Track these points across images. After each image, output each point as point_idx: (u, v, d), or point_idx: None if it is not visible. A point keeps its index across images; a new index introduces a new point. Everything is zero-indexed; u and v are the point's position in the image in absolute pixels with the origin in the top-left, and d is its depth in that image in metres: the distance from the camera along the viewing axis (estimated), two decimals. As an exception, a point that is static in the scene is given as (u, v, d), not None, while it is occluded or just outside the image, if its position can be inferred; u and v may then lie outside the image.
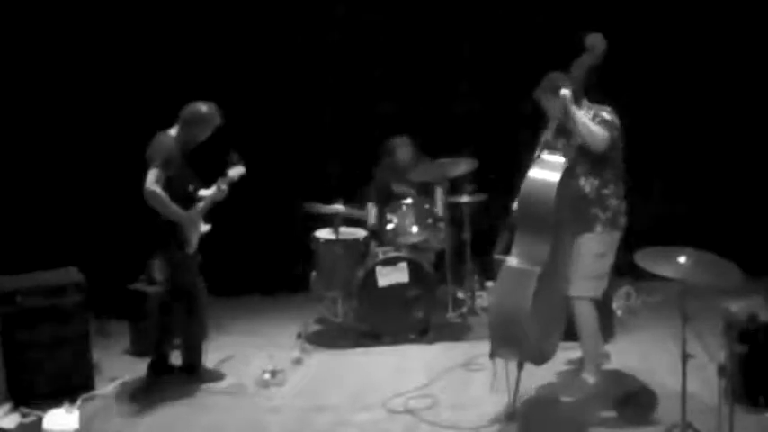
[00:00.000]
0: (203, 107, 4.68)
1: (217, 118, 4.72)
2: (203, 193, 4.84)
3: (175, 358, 4.97)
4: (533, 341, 3.96)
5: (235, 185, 4.92)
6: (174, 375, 4.89)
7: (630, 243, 4.13)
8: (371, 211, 6.20)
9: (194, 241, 4.75)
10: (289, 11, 6.71)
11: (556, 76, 4.21)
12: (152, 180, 4.45)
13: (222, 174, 4.87)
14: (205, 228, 4.85)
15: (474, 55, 6.72)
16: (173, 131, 4.67)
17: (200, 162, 4.84)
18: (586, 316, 4.29)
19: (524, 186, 4.07)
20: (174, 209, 4.57)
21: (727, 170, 6.62)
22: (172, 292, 4.83)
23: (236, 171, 4.90)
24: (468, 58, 6.73)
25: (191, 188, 4.75)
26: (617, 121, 4.16)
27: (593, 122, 4.09)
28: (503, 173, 4.63)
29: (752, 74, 6.50)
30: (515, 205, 4.24)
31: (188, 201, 4.71)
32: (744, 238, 6.28)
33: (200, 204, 4.79)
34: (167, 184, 4.52)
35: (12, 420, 4.30)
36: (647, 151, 6.45)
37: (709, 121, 6.60)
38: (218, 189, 4.82)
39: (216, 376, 4.91)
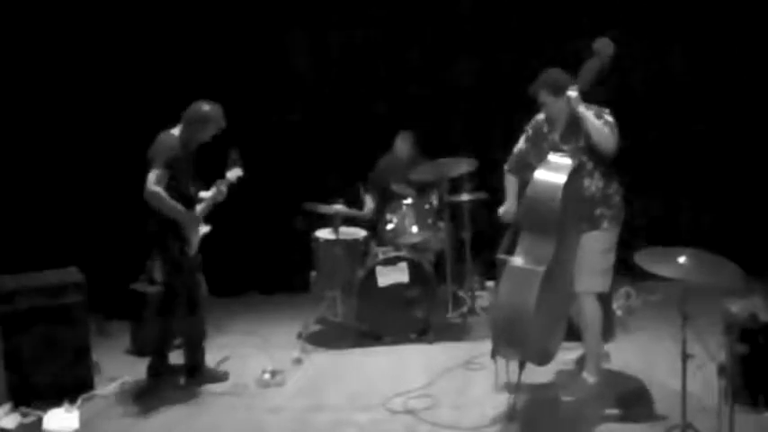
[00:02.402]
0: (207, 107, 4.66)
1: (220, 119, 4.69)
2: (203, 194, 4.84)
3: (174, 358, 4.96)
4: (535, 341, 3.96)
5: (235, 186, 4.92)
6: (175, 376, 4.88)
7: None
8: (367, 200, 6.25)
9: (195, 242, 4.75)
10: (289, 11, 6.71)
11: (557, 73, 4.19)
12: (153, 180, 4.43)
13: (221, 175, 4.86)
14: (205, 229, 4.85)
15: (474, 54, 6.73)
16: (175, 131, 4.66)
17: (201, 163, 4.84)
18: (592, 312, 4.29)
19: (530, 187, 4.07)
20: (177, 208, 4.56)
21: (727, 170, 6.62)
22: (171, 293, 4.82)
23: (233, 173, 4.89)
24: (469, 58, 6.73)
25: (192, 189, 4.75)
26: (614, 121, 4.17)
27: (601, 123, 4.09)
28: (503, 173, 4.63)
29: (752, 74, 6.50)
30: (521, 205, 4.25)
31: (189, 201, 4.71)
32: (744, 238, 6.29)
33: (201, 206, 4.78)
34: (170, 184, 4.51)
35: (12, 420, 4.30)
36: (648, 151, 6.47)
37: (708, 121, 6.61)
38: (218, 191, 4.82)
39: (219, 376, 4.91)
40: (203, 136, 4.70)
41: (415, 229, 5.78)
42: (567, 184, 3.97)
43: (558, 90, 4.13)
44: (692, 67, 6.55)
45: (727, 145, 6.60)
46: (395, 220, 5.81)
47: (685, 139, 6.62)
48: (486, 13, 6.66)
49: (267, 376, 4.83)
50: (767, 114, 6.53)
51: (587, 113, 4.05)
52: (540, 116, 4.38)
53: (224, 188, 4.83)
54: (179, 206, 4.56)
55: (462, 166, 5.84)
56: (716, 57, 6.51)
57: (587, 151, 4.14)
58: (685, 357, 3.52)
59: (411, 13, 6.71)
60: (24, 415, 4.37)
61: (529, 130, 4.46)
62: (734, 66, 6.51)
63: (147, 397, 4.70)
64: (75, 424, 4.26)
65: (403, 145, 6.29)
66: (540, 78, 4.23)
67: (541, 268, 3.91)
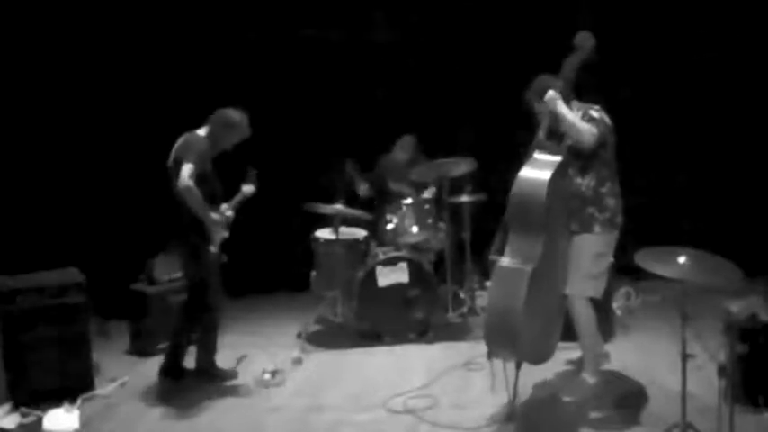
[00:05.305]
0: (235, 114, 4.71)
1: (245, 129, 4.74)
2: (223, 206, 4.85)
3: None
4: (528, 341, 3.95)
5: (233, 186, 4.93)
6: (186, 377, 4.88)
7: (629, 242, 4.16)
8: (360, 185, 6.21)
9: (217, 242, 4.75)
10: (288, 10, 6.71)
11: (545, 78, 4.21)
12: (187, 175, 4.41)
13: (237, 188, 4.91)
14: (224, 234, 4.85)
15: (474, 54, 6.73)
16: (202, 132, 4.69)
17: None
18: (585, 315, 4.29)
19: (515, 185, 4.07)
20: (205, 207, 4.56)
21: (727, 171, 6.62)
22: (193, 293, 4.79)
23: (248, 189, 4.96)
24: (468, 58, 6.73)
25: (216, 191, 4.76)
26: (606, 119, 4.16)
27: (581, 120, 4.09)
28: (503, 173, 4.63)
29: (752, 74, 6.50)
30: (508, 205, 4.25)
31: (213, 202, 4.70)
32: (744, 238, 6.29)
33: (218, 216, 4.79)
34: (201, 185, 4.50)
35: (12, 420, 4.30)
36: (647, 151, 6.47)
37: (709, 121, 6.61)
38: (225, 215, 4.83)
39: (229, 374, 4.91)
40: (228, 142, 4.73)
41: (415, 229, 5.78)
42: (551, 182, 3.97)
43: (543, 95, 4.14)
44: (692, 66, 6.55)
45: (727, 145, 6.60)
46: (395, 220, 5.81)
47: (685, 139, 6.62)
48: (486, 15, 6.67)
49: (267, 376, 4.83)
50: (767, 114, 6.54)
51: (563, 109, 4.05)
52: None
53: (231, 213, 4.86)
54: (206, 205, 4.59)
55: (462, 167, 5.84)
56: (717, 56, 6.52)
57: (572, 150, 4.14)
58: (685, 357, 3.52)
59: (411, 12, 6.72)
60: (24, 415, 4.37)
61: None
62: (735, 66, 6.51)
63: (146, 397, 4.70)
64: (76, 424, 4.26)
65: (402, 150, 6.29)
66: (529, 87, 4.26)
67: (529, 267, 3.91)
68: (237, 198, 4.92)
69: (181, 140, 4.66)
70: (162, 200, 4.65)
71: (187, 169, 4.42)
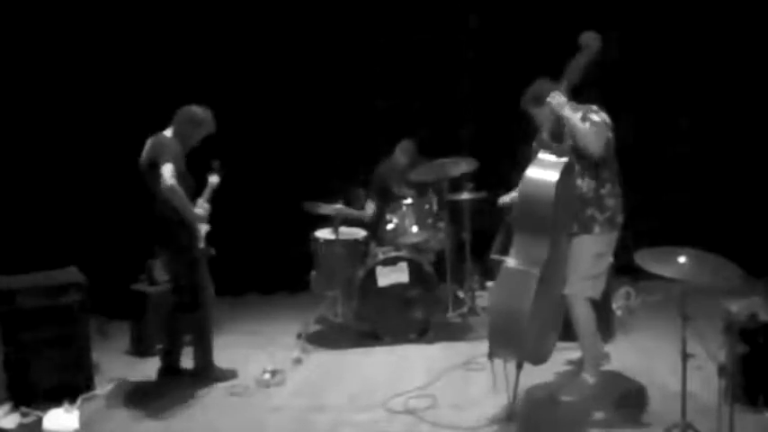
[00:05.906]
0: (198, 110, 4.70)
1: (210, 123, 4.73)
2: (199, 201, 4.85)
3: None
4: (532, 342, 3.95)
5: (234, 186, 4.92)
6: (184, 376, 4.88)
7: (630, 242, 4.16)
8: (368, 206, 6.23)
9: (203, 235, 4.77)
10: (287, 10, 6.71)
11: (541, 83, 4.20)
12: (169, 175, 4.40)
13: (204, 180, 4.89)
14: (205, 227, 4.86)
15: (474, 53, 6.73)
16: (168, 132, 4.67)
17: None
18: (584, 316, 4.28)
19: (522, 186, 4.05)
20: (189, 205, 4.57)
21: (727, 171, 6.62)
22: (183, 293, 4.78)
23: (213, 179, 4.94)
24: (468, 57, 6.74)
25: (191, 187, 4.75)
26: (608, 119, 4.14)
27: (589, 128, 4.06)
28: (502, 173, 4.63)
29: (752, 74, 6.50)
30: (514, 205, 4.24)
31: (191, 199, 4.71)
32: (744, 239, 6.29)
33: (200, 209, 4.79)
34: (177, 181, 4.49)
35: (12, 420, 4.30)
36: (647, 151, 6.47)
37: (709, 121, 6.61)
38: (203, 209, 4.82)
39: (227, 374, 4.91)
40: (194, 138, 4.73)
41: (415, 229, 5.78)
42: (559, 182, 3.94)
43: (539, 100, 4.15)
44: (692, 66, 6.55)
45: (727, 145, 6.60)
46: (395, 220, 5.81)
47: (685, 139, 6.62)
48: (485, 15, 6.68)
49: (267, 376, 4.84)
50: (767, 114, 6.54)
51: (571, 116, 4.02)
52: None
53: (207, 205, 4.86)
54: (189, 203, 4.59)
55: (462, 166, 5.84)
56: (716, 56, 6.52)
57: (574, 151, 4.13)
58: (685, 357, 3.52)
59: (411, 12, 6.72)
60: (24, 415, 4.37)
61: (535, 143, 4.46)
62: (735, 66, 6.51)
63: (146, 397, 4.70)
64: (76, 424, 4.25)
65: (402, 155, 6.28)
66: (524, 95, 4.26)
67: (537, 270, 3.89)
68: (207, 191, 4.92)
69: (150, 143, 4.65)
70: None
71: (168, 169, 4.41)
